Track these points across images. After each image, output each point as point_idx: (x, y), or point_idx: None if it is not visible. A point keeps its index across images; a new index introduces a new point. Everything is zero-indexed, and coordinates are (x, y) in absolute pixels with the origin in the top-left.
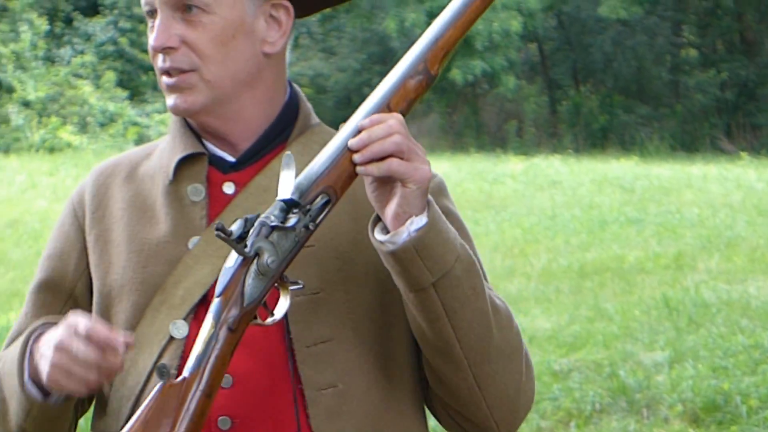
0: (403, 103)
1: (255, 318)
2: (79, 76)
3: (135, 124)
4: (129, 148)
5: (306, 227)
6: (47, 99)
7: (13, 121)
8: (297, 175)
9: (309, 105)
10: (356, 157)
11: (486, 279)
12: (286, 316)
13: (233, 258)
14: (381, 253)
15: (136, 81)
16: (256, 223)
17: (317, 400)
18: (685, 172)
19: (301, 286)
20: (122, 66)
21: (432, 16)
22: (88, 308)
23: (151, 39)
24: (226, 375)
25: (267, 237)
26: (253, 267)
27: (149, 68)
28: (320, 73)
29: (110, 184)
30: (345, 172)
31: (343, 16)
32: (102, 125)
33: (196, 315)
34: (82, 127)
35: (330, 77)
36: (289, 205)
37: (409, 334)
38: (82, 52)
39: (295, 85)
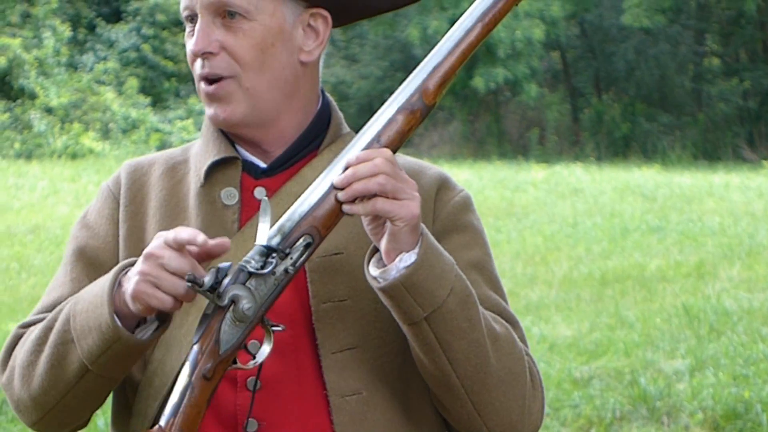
0: (395, 136)
1: (234, 362)
2: (101, 83)
3: (157, 130)
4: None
5: (286, 270)
6: (70, 105)
7: (35, 127)
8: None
9: (340, 114)
10: (340, 195)
11: (503, 295)
12: (312, 324)
13: (211, 306)
14: (373, 287)
15: (158, 88)
16: (233, 270)
17: (341, 407)
18: (706, 180)
19: (281, 328)
20: (145, 73)
21: (454, 23)
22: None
23: (191, 43)
24: (254, 378)
25: (244, 283)
26: (229, 314)
27: (172, 75)
28: (342, 80)
29: (145, 181)
30: (330, 211)
31: (366, 23)
32: (124, 132)
33: None
34: (105, 134)
35: (352, 84)
36: (268, 250)
37: None
38: (104, 59)
39: (328, 94)
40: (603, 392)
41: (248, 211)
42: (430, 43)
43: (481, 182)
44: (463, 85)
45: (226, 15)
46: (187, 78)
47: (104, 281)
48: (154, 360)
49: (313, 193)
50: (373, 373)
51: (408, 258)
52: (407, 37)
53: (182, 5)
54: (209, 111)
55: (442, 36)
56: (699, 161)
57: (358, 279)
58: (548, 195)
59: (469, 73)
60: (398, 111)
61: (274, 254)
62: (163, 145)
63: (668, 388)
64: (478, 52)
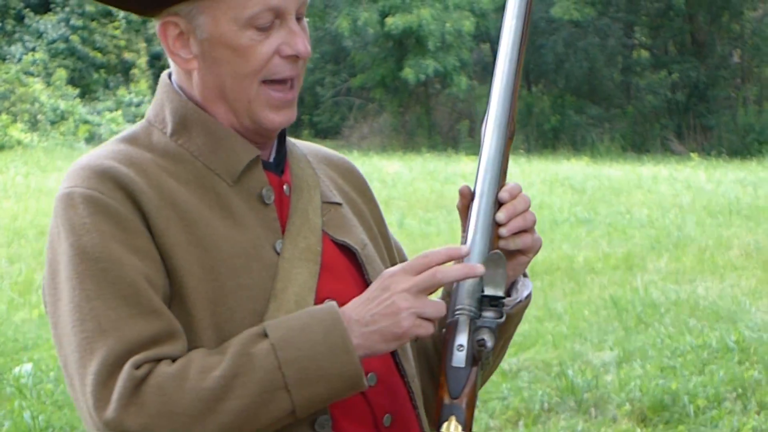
0: (506, 161)
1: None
2: (29, 74)
3: (86, 122)
4: (80, 146)
5: (499, 320)
6: None
7: None
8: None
9: None
10: (503, 231)
11: None
12: None
13: (461, 358)
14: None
15: (87, 79)
16: (476, 324)
17: (416, 391)
18: (635, 172)
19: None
20: (73, 64)
21: (384, 15)
22: (167, 300)
23: (292, 46)
24: (370, 373)
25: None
26: (483, 359)
27: (101, 66)
28: None
29: (151, 183)
30: (496, 246)
31: None
32: (53, 123)
33: None
34: (33, 125)
35: None
36: (489, 300)
37: None
38: (33, 50)
39: None
40: (531, 384)
41: (281, 208)
42: (360, 35)
43: (411, 174)
44: (393, 77)
45: (298, 16)
46: (116, 69)
47: (322, 324)
48: None
49: (478, 234)
50: (413, 359)
51: (529, 285)
52: (337, 28)
53: (265, 6)
54: (279, 117)
55: (373, 28)
56: (628, 153)
57: (381, 267)
58: None
59: (399, 64)
60: (506, 142)
61: (488, 303)
62: (92, 137)
63: (596, 380)
64: (408, 43)
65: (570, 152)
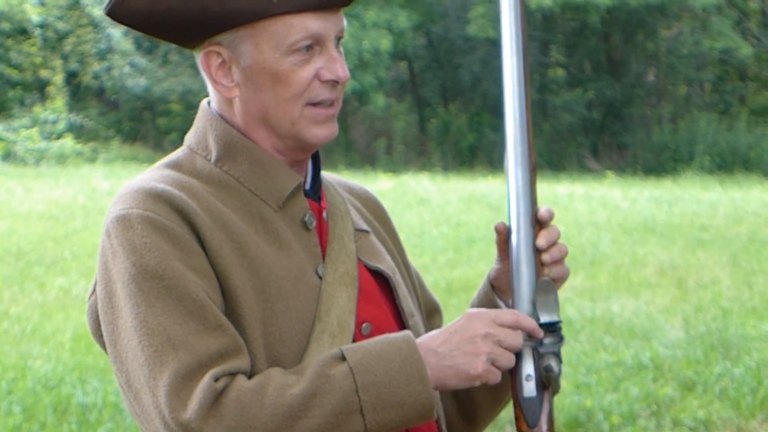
0: (536, 195)
1: None
2: None
3: (1, 139)
4: None
5: (560, 343)
6: None
7: None
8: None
9: None
10: (546, 258)
11: None
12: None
13: (531, 388)
14: None
15: (2, 96)
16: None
17: (440, 414)
18: (551, 190)
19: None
20: None
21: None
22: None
23: (332, 71)
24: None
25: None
26: (550, 392)
27: (17, 83)
28: (190, 89)
29: (202, 207)
30: (540, 274)
31: None
32: None
33: (354, 341)
34: None
35: (199, 93)
36: (546, 327)
37: None
38: None
39: None
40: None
41: (321, 234)
42: None
43: None
44: None
45: (338, 42)
46: (32, 87)
47: (399, 353)
48: None
49: (524, 265)
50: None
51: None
52: None
53: (305, 33)
54: (324, 131)
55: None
56: (544, 171)
57: (409, 297)
58: (395, 205)
59: None
60: (531, 171)
61: (550, 328)
62: (7, 154)
63: None
64: None
65: (487, 170)
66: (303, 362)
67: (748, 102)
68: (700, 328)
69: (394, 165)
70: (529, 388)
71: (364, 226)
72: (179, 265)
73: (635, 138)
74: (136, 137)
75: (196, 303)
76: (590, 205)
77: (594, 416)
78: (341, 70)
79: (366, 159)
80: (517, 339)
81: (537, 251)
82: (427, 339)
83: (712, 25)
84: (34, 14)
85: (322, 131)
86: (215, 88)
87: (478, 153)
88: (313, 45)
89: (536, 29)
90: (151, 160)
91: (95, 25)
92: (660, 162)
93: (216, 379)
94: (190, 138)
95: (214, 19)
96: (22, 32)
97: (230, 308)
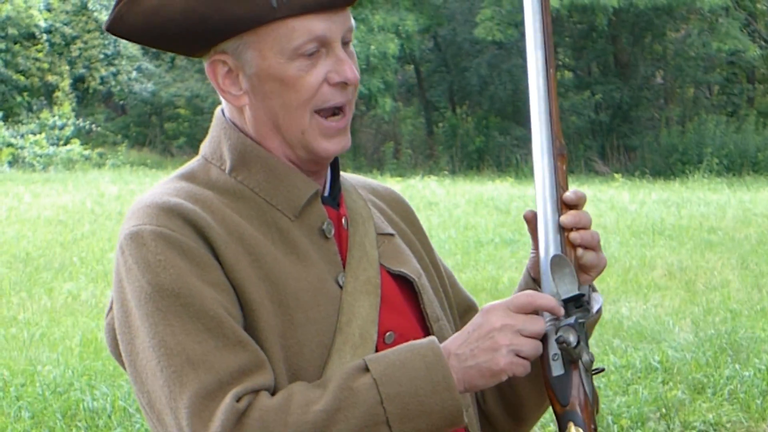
0: (564, 178)
1: (597, 410)
2: None
3: (9, 145)
4: (3, 169)
5: (587, 316)
6: None
7: None
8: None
9: None
10: (575, 236)
11: None
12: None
13: (558, 366)
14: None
15: (10, 102)
16: (577, 327)
17: (469, 419)
18: None
19: (603, 368)
20: None
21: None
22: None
23: (340, 73)
24: None
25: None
26: (580, 366)
27: (24, 89)
28: (197, 94)
29: (217, 219)
30: (571, 255)
31: None
32: None
33: (378, 351)
34: None
35: (207, 98)
36: (572, 301)
37: None
38: None
39: None
40: None
41: (341, 242)
42: None
43: None
44: None
45: (344, 41)
46: (39, 92)
47: (424, 360)
48: None
49: (549, 243)
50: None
51: (599, 299)
52: None
53: (309, 36)
54: (333, 145)
55: None
56: None
57: (433, 296)
58: None
59: None
60: (555, 158)
61: (575, 303)
62: (15, 160)
63: None
64: None
65: (494, 173)
66: (325, 375)
67: (756, 104)
68: (709, 331)
69: (402, 169)
70: (556, 367)
71: (389, 229)
72: (195, 281)
73: (643, 140)
74: (144, 142)
75: (215, 320)
76: (598, 208)
77: (603, 419)
78: (350, 71)
79: (374, 163)
80: (537, 324)
81: (562, 230)
82: (449, 342)
83: (719, 26)
84: (41, 19)
85: (332, 145)
86: (224, 97)
87: (486, 156)
88: (319, 48)
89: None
90: (158, 165)
91: (102, 30)
92: (668, 164)
93: (238, 399)
94: (205, 147)
95: (215, 28)
96: (29, 37)
97: (248, 322)
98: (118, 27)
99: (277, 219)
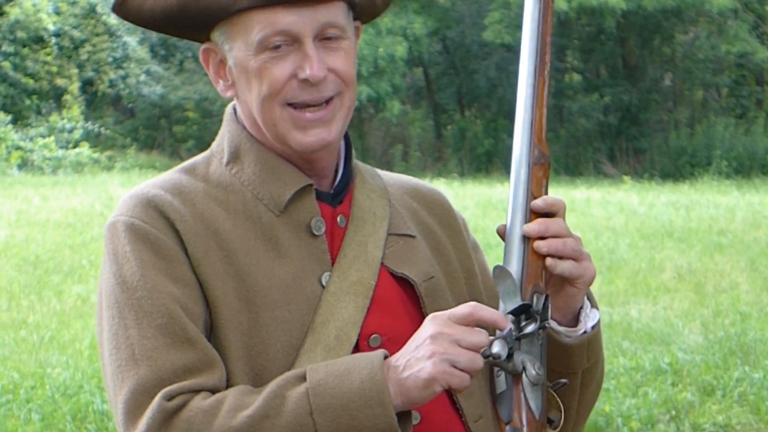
0: (540, 187)
1: (551, 423)
2: None
3: (18, 148)
4: (12, 172)
5: (542, 327)
6: None
7: None
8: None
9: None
10: (540, 246)
11: None
12: None
13: (501, 382)
14: (548, 339)
15: (19, 105)
16: (509, 338)
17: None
18: (568, 195)
19: (565, 382)
20: (5, 90)
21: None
22: (207, 333)
23: (304, 69)
24: (414, 411)
25: (520, 349)
26: (525, 381)
27: (33, 92)
28: (206, 97)
29: (194, 212)
30: (538, 267)
31: None
32: None
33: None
34: None
35: (216, 101)
36: (519, 313)
37: None
38: None
39: None
40: None
41: (333, 240)
42: None
43: None
44: None
45: (326, 37)
46: (48, 95)
47: (361, 373)
48: None
49: (513, 258)
50: (481, 396)
51: (594, 317)
52: None
53: (271, 30)
54: (308, 137)
55: None
56: (560, 176)
57: (450, 301)
58: None
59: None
60: (531, 168)
61: (524, 315)
62: (24, 163)
63: None
64: None
65: (503, 176)
66: None
67: (765, 106)
68: (719, 333)
69: (411, 171)
70: (500, 383)
71: (408, 231)
72: (155, 275)
73: (652, 143)
74: (153, 145)
75: (166, 316)
76: (607, 210)
77: (613, 421)
78: (314, 68)
79: (382, 166)
80: (476, 336)
81: (527, 240)
82: (396, 353)
83: (728, 29)
84: (49, 23)
85: (306, 137)
86: (216, 88)
87: (495, 159)
88: (289, 42)
89: (552, 34)
90: (167, 168)
91: (111, 33)
92: (677, 167)
93: (170, 398)
94: (215, 141)
95: (193, 16)
96: (38, 41)
97: (211, 318)
98: (120, 10)
99: (261, 214)
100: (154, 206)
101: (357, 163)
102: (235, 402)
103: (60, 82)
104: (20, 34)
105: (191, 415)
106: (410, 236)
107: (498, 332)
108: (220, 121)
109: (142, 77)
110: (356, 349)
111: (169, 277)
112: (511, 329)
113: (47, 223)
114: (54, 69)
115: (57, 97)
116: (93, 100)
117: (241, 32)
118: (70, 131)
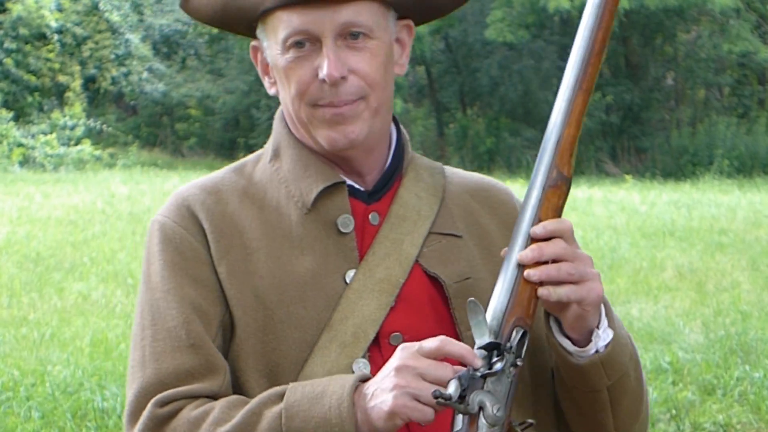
0: (551, 212)
1: None
2: None
3: (20, 145)
4: (14, 169)
5: (514, 365)
6: None
7: None
8: (485, 314)
9: (404, 129)
10: (531, 276)
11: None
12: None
13: (459, 420)
14: (561, 358)
15: (21, 102)
16: (465, 377)
17: None
18: (570, 194)
19: (532, 422)
20: (7, 87)
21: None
22: (228, 340)
23: (324, 70)
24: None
25: (482, 388)
26: (482, 422)
27: (35, 89)
28: (208, 94)
29: (224, 211)
30: (526, 298)
31: (231, 38)
32: None
33: (372, 353)
34: None
35: (218, 99)
36: (490, 350)
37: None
38: None
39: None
40: None
41: (365, 238)
42: None
43: None
44: None
45: (349, 36)
46: (50, 92)
47: (332, 398)
48: None
49: (502, 288)
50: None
51: (605, 336)
52: None
53: (292, 30)
54: (331, 134)
55: None
56: None
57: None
58: None
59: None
60: (544, 190)
61: (497, 351)
62: (26, 160)
63: None
64: None
65: (505, 174)
66: (303, 372)
67: (767, 105)
68: (720, 332)
69: None
70: (458, 421)
71: (456, 231)
72: (177, 276)
73: (654, 142)
74: (155, 142)
75: (176, 320)
76: (609, 209)
77: None
78: (329, 67)
79: None
80: (442, 370)
81: (521, 268)
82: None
83: (730, 28)
84: (52, 20)
85: (334, 133)
86: (264, 84)
87: (497, 157)
88: (311, 41)
89: (554, 33)
90: (169, 165)
91: (113, 30)
92: (679, 166)
93: (163, 404)
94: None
95: (233, 13)
96: (40, 38)
97: (229, 316)
98: (185, 6)
99: (290, 211)
100: (187, 206)
101: (418, 161)
102: (219, 415)
103: (62, 79)
104: (23, 31)
105: (178, 425)
106: (455, 236)
107: (467, 372)
108: (222, 118)
109: (145, 74)
110: (376, 346)
111: (189, 277)
112: (468, 369)
113: (48, 221)
114: (56, 66)
115: (59, 94)
116: (95, 97)
117: (271, 31)
118: (72, 128)
